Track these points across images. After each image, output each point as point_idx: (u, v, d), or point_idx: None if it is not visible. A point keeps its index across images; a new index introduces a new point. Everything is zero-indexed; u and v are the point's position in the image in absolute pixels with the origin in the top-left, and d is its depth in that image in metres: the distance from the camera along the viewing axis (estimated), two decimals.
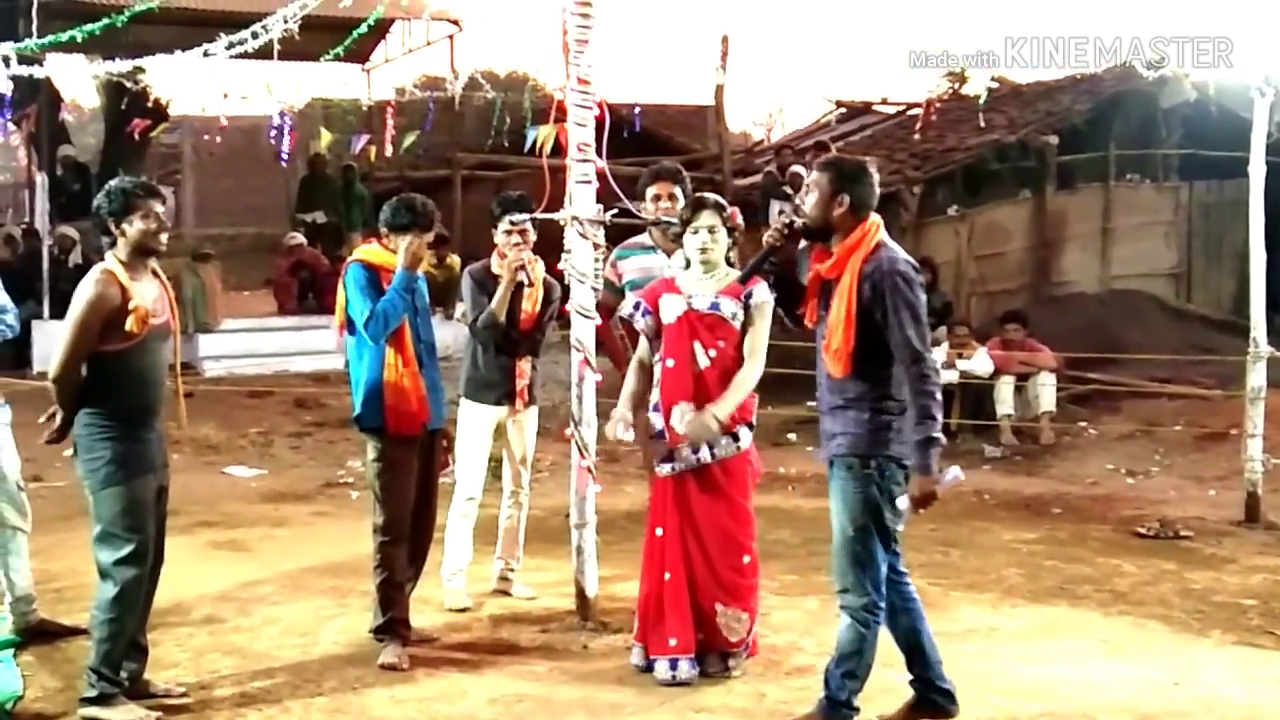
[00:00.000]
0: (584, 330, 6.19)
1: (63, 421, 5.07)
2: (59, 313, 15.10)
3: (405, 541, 5.83)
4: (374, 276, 5.72)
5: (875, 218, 4.81)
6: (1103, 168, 17.58)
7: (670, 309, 5.61)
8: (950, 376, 11.21)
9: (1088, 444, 11.64)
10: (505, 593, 6.82)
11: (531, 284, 6.63)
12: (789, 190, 15.82)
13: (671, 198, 6.25)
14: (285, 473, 10.56)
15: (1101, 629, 6.36)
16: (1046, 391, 11.84)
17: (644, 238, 6.45)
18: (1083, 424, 12.05)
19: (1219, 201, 17.37)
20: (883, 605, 4.83)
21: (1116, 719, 5.10)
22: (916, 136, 17.34)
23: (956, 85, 22.37)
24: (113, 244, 5.02)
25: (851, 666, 4.82)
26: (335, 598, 6.74)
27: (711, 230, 5.58)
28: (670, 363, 5.58)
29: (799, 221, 4.87)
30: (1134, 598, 6.94)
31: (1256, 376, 8.80)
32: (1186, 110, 17.12)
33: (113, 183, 5.12)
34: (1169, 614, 6.61)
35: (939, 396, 4.63)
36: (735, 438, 5.56)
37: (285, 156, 14.54)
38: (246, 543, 8.05)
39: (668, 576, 5.53)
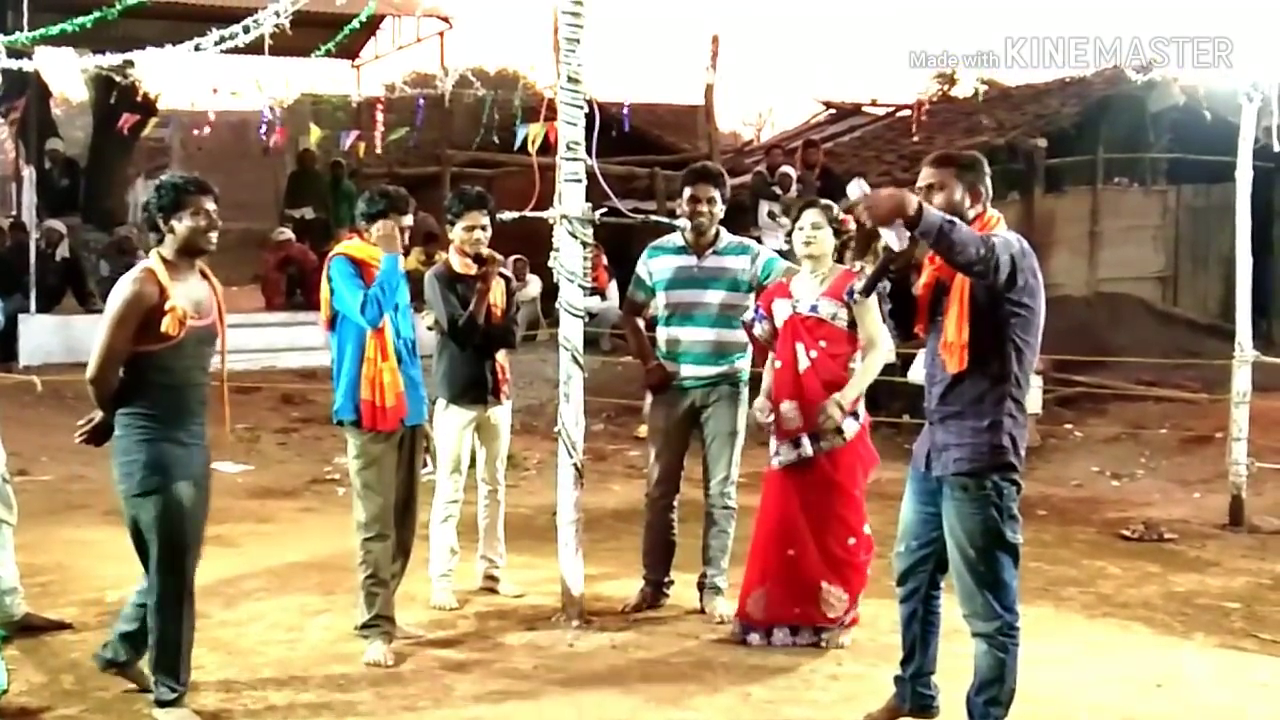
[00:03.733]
0: (572, 328, 6.19)
1: (101, 422, 4.92)
2: (45, 306, 15.21)
3: (389, 538, 5.83)
4: (357, 269, 5.72)
5: (993, 210, 4.62)
6: (1091, 171, 17.64)
7: (780, 313, 5.96)
8: None
9: (1073, 446, 11.67)
10: (492, 590, 6.82)
11: (524, 282, 6.63)
12: (778, 191, 15.84)
13: (710, 201, 6.35)
14: (272, 469, 10.55)
15: (1085, 631, 6.38)
16: (1032, 393, 11.86)
17: (676, 237, 6.48)
18: (1068, 426, 12.08)
19: (1206, 206, 17.43)
20: (1018, 625, 4.60)
21: None
22: (915, 139, 17.35)
23: (946, 87, 22.43)
24: (160, 241, 4.83)
25: (994, 693, 4.59)
26: (321, 593, 6.73)
27: (816, 227, 5.90)
28: (778, 364, 5.95)
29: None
30: (1118, 600, 6.97)
31: (1241, 380, 8.83)
32: (1175, 114, 17.18)
33: (164, 177, 4.93)
34: (1153, 616, 6.64)
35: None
36: (839, 430, 5.84)
37: (273, 150, 14.52)
38: (232, 538, 8.04)
39: (791, 553, 5.88)
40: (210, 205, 4.86)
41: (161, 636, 4.90)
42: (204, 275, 4.97)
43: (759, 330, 6.07)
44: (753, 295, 6.28)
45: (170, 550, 4.85)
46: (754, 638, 5.97)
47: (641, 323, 6.73)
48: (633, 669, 5.63)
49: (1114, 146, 17.87)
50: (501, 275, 6.56)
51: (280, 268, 16.51)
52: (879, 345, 5.83)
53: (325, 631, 6.14)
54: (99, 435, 4.96)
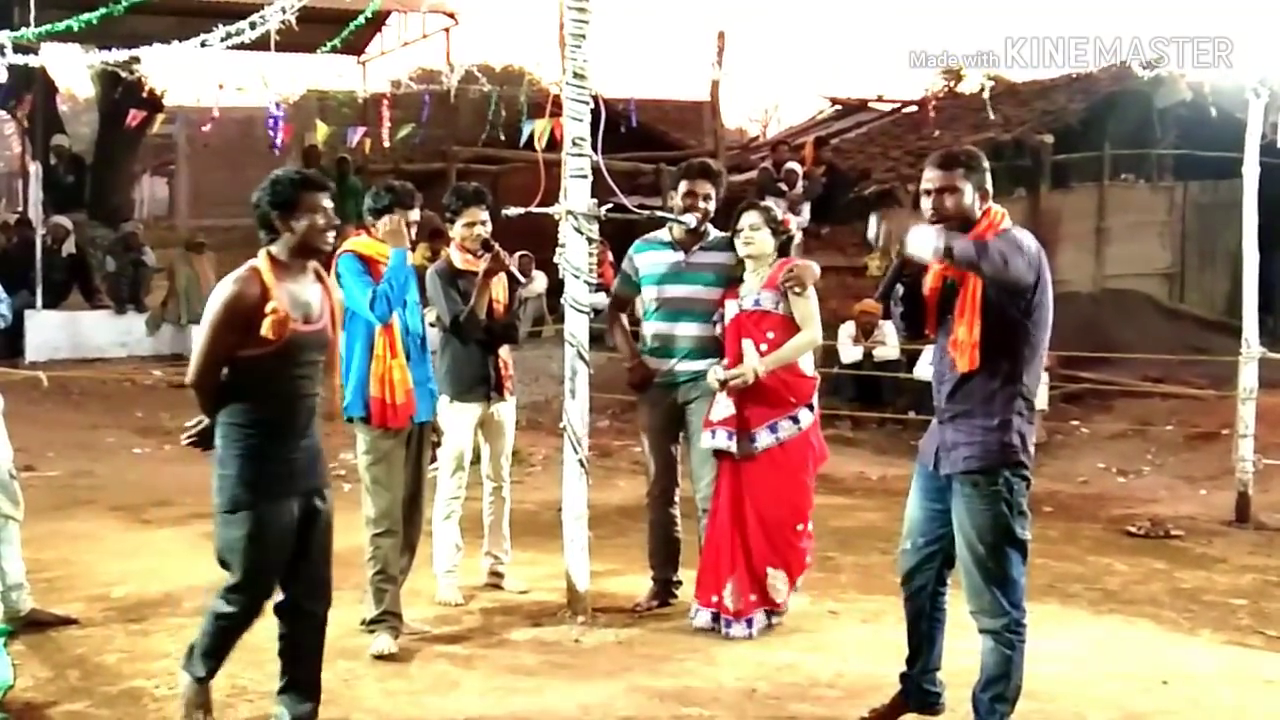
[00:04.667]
0: (578, 324, 6.19)
1: (205, 427, 4.56)
2: (51, 302, 15.25)
3: (397, 534, 5.84)
4: (365, 265, 5.73)
5: (997, 205, 4.63)
6: (1097, 167, 17.63)
7: (729, 312, 6.17)
8: None
9: (1080, 443, 11.66)
10: (497, 586, 6.82)
11: (529, 278, 6.63)
12: (784, 187, 15.84)
13: (707, 198, 6.40)
14: None
15: (1092, 627, 6.37)
16: (1039, 390, 11.84)
17: (663, 233, 6.50)
18: (1075, 422, 12.07)
19: (1213, 202, 17.41)
20: (1024, 623, 4.59)
21: (1106, 717, 5.11)
22: (924, 135, 17.33)
23: (953, 83, 22.39)
24: (272, 239, 4.49)
25: (1000, 690, 4.58)
26: None
27: (754, 228, 6.10)
28: (725, 361, 6.12)
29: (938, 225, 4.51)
30: (1124, 596, 6.96)
31: (1248, 377, 8.82)
32: (1181, 110, 17.17)
33: (278, 173, 4.59)
34: (1159, 613, 6.63)
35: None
36: (795, 419, 6.05)
37: (279, 148, 14.53)
38: None
39: (745, 541, 6.04)
40: (328, 203, 4.60)
41: (211, 637, 4.65)
42: (318, 277, 4.62)
43: (718, 331, 6.26)
44: None
45: (249, 575, 4.50)
46: (737, 629, 6.01)
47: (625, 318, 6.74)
48: (639, 665, 5.63)
49: (1120, 143, 17.86)
50: (507, 271, 6.56)
51: None
52: (810, 329, 6.10)
53: (331, 627, 6.04)
54: (206, 439, 4.58)
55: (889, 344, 12.50)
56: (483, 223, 6.54)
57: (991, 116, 16.07)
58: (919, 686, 4.94)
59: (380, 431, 5.77)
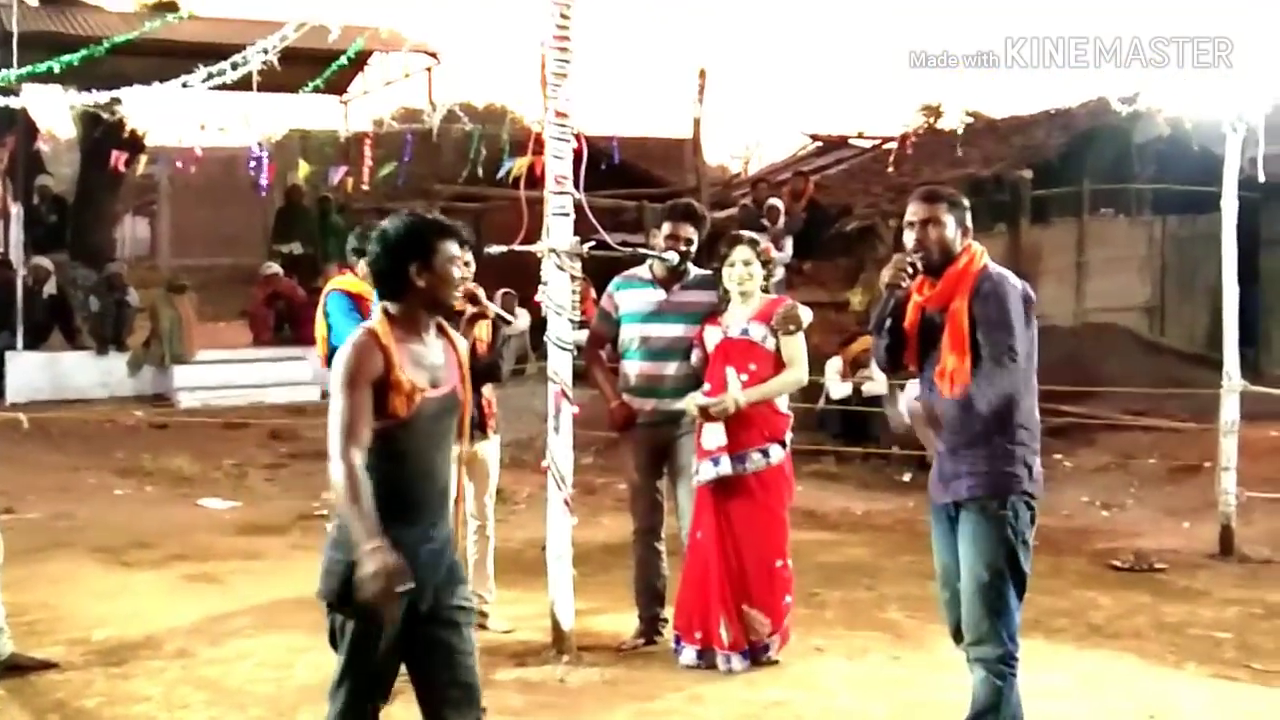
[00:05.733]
0: (561, 362, 6.18)
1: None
2: (32, 343, 15.19)
3: None
4: (354, 303, 5.72)
5: (976, 243, 4.70)
6: (1076, 202, 17.73)
7: (711, 339, 6.20)
8: None
9: (1063, 476, 11.66)
10: (482, 626, 6.76)
11: (486, 314, 6.61)
12: (766, 223, 15.88)
13: (688, 241, 6.43)
14: (260, 505, 10.50)
15: (1077, 662, 6.36)
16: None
17: (643, 270, 6.52)
18: (1058, 456, 12.07)
19: (1192, 236, 17.51)
20: (1018, 655, 4.61)
21: None
22: (916, 169, 17.44)
23: (932, 119, 22.56)
24: (393, 293, 3.90)
25: None
26: (310, 632, 6.65)
27: (747, 264, 6.15)
28: (707, 387, 6.12)
29: (919, 260, 4.58)
30: (1109, 630, 6.95)
31: (1229, 410, 8.84)
32: (1159, 145, 17.30)
33: (411, 216, 4.01)
34: (1144, 647, 6.62)
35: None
36: (766, 454, 6.06)
37: (264, 188, 14.54)
38: (219, 575, 7.98)
39: (722, 574, 6.04)
40: (467, 255, 4.23)
41: None
42: (441, 331, 4.06)
43: (695, 358, 6.27)
44: None
45: (357, 676, 3.92)
46: (737, 663, 6.01)
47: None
48: (625, 705, 5.59)
49: (1099, 177, 17.98)
50: (496, 317, 6.55)
51: (268, 303, 16.51)
52: (796, 368, 6.16)
53: (314, 669, 6.08)
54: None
55: (877, 379, 12.50)
56: (466, 263, 6.53)
57: (960, 153, 16.19)
58: None
59: None
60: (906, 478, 11.62)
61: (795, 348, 6.13)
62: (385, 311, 3.89)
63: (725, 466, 5.99)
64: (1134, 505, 10.71)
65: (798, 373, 6.17)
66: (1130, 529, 9.80)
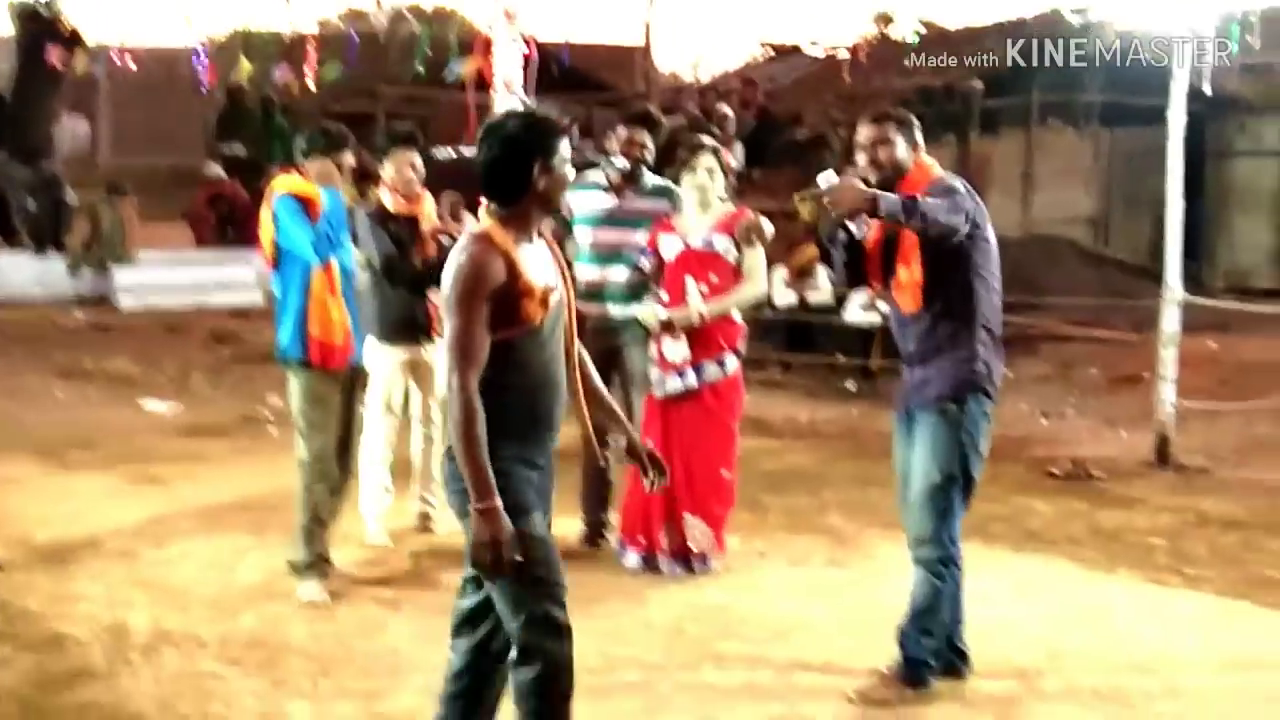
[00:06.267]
0: None
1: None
2: None
3: (331, 477, 5.79)
4: (303, 206, 5.63)
5: (928, 157, 4.76)
6: (1025, 113, 17.73)
7: (669, 248, 6.13)
8: (872, 318, 11.29)
9: (1004, 386, 11.70)
10: (426, 529, 6.80)
11: (460, 221, 6.56)
12: (716, 131, 15.77)
13: (643, 147, 6.40)
14: (203, 407, 10.42)
15: (1013, 566, 6.47)
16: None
17: (597, 174, 6.47)
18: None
19: (1139, 148, 17.55)
20: (959, 558, 4.72)
21: (1029, 656, 5.19)
22: (866, 79, 17.35)
23: (883, 27, 22.40)
24: (512, 195, 3.65)
25: (927, 623, 4.68)
26: (253, 532, 6.68)
27: (710, 171, 6.11)
28: (665, 297, 6.09)
29: (871, 177, 4.62)
30: (1046, 536, 7.07)
31: (1169, 321, 8.93)
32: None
33: (533, 111, 3.87)
34: (1079, 553, 6.74)
35: (932, 216, 4.37)
36: (722, 364, 6.07)
37: (205, 87, 14.25)
38: (162, 477, 7.94)
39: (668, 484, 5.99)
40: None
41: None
42: (539, 233, 3.81)
43: (647, 265, 6.21)
44: None
45: (546, 604, 3.63)
46: (680, 570, 6.09)
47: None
48: (570, 608, 5.61)
49: (1049, 90, 17.96)
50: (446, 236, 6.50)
51: (210, 205, 16.28)
52: (755, 280, 6.17)
53: (257, 569, 6.11)
54: None
55: (822, 288, 12.52)
56: (413, 165, 6.47)
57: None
58: (947, 643, 4.84)
59: (318, 373, 5.70)
60: (851, 386, 11.70)
61: (755, 260, 6.13)
62: (498, 215, 3.65)
63: (691, 379, 6.01)
64: (1073, 414, 10.84)
65: (757, 285, 6.20)
66: (1069, 438, 9.93)
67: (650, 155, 6.46)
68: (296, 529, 5.77)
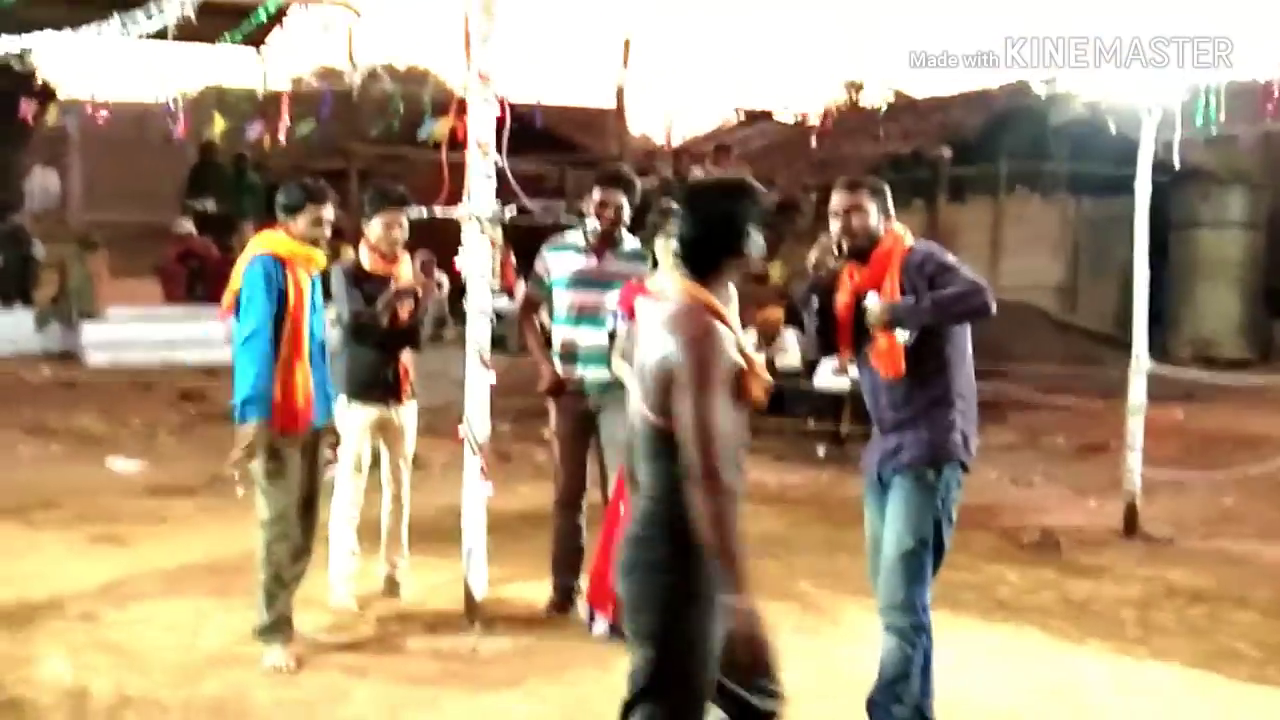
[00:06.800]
0: (480, 329, 6.12)
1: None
2: None
3: (291, 538, 5.73)
4: (281, 268, 5.58)
5: (899, 225, 4.82)
6: (994, 181, 17.93)
7: (644, 311, 5.80)
8: (842, 383, 11.32)
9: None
10: (393, 594, 6.73)
11: (433, 279, 6.58)
12: None
13: (618, 208, 6.36)
14: (169, 466, 10.33)
15: (982, 635, 6.45)
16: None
17: (577, 236, 6.47)
18: None
19: (1105, 217, 17.79)
20: (929, 625, 4.71)
21: None
22: (838, 145, 17.53)
23: (854, 95, 22.66)
24: (720, 265, 3.51)
25: (899, 691, 4.66)
26: (218, 596, 6.59)
27: None
28: None
29: (844, 244, 4.74)
30: (1015, 605, 7.06)
31: (1137, 391, 8.99)
32: (1076, 128, 17.50)
33: (731, 180, 3.75)
34: (1048, 622, 6.73)
35: (974, 304, 4.54)
36: None
37: (175, 141, 14.23)
38: (126, 537, 7.85)
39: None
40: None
41: None
42: None
43: (623, 330, 6.07)
44: None
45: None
46: (600, 627, 6.04)
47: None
48: (536, 674, 5.59)
49: (1017, 158, 18.19)
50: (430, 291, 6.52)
51: (181, 260, 16.22)
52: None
53: (222, 634, 6.02)
54: None
55: (789, 350, 12.57)
56: (401, 226, 6.48)
57: (881, 135, 16.30)
58: (917, 716, 4.78)
59: (279, 435, 5.65)
60: (821, 452, 11.71)
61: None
62: (693, 282, 3.46)
63: None
64: (1042, 482, 10.88)
65: None
66: (1038, 506, 9.96)
67: (626, 216, 6.45)
68: (258, 591, 5.70)
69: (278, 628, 5.67)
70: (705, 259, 3.50)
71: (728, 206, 3.51)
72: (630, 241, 6.47)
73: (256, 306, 5.50)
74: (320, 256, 5.76)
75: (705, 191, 3.67)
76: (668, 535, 3.33)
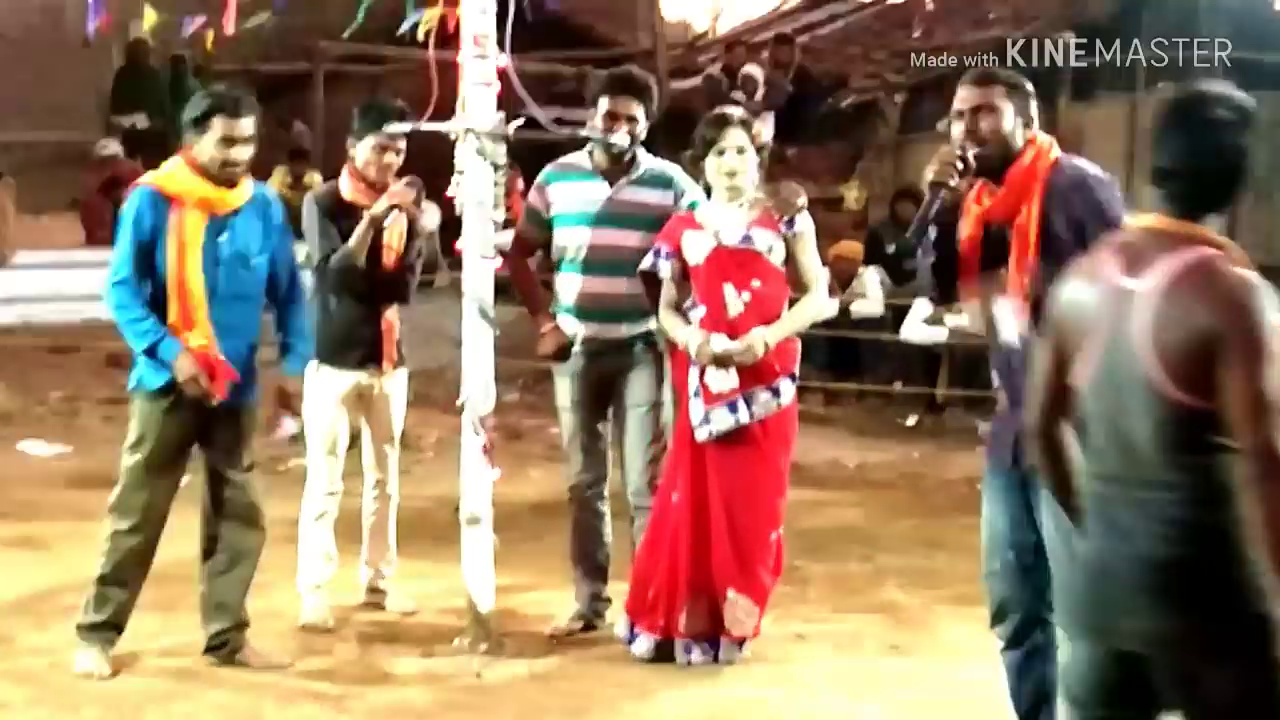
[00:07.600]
0: (480, 274, 6.13)
1: None
2: None
3: (145, 537, 5.86)
4: (158, 213, 5.62)
5: (1043, 134, 4.73)
6: (1130, 75, 17.77)
7: (696, 248, 5.97)
8: (937, 336, 11.28)
9: None
10: (377, 605, 6.79)
11: (420, 210, 6.59)
12: (740, 97, 15.82)
13: (631, 120, 6.29)
14: (95, 450, 10.40)
15: None
16: None
17: (583, 159, 6.43)
18: None
19: (1273, 118, 17.59)
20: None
21: None
22: (916, 35, 17.40)
23: None
24: (1206, 207, 3.54)
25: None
26: (160, 612, 6.62)
27: (740, 151, 5.95)
28: (701, 309, 5.96)
29: (971, 154, 4.57)
30: None
31: None
32: (1235, 5, 17.32)
33: (1225, 92, 3.67)
34: None
35: None
36: (776, 392, 5.94)
37: (96, 40, 14.29)
38: (45, 539, 7.95)
39: (704, 552, 5.92)
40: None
41: None
42: None
43: (667, 270, 6.04)
44: None
45: None
46: (697, 655, 6.01)
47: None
48: (556, 706, 5.63)
49: (1160, 45, 18.01)
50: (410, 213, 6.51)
51: (105, 191, 16.26)
52: (818, 289, 6.14)
53: (163, 659, 6.09)
54: None
55: (871, 297, 12.48)
56: (398, 150, 6.48)
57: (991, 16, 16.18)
58: None
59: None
60: (911, 422, 11.70)
61: (812, 262, 6.12)
62: (1191, 226, 3.48)
63: (744, 413, 5.88)
64: None
65: (821, 297, 6.18)
66: None
67: (641, 129, 6.37)
68: (92, 584, 5.81)
69: (103, 629, 5.78)
70: (1212, 195, 3.54)
71: (1240, 127, 3.54)
72: (649, 162, 6.41)
73: (118, 254, 5.56)
74: (233, 197, 5.73)
75: (1214, 102, 3.60)
76: (1231, 549, 3.20)
